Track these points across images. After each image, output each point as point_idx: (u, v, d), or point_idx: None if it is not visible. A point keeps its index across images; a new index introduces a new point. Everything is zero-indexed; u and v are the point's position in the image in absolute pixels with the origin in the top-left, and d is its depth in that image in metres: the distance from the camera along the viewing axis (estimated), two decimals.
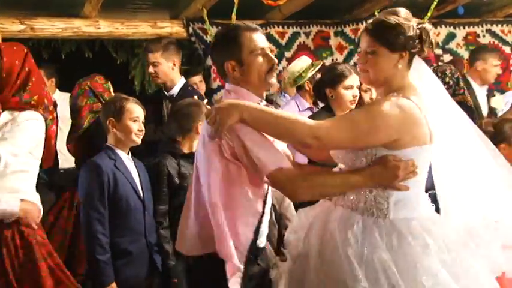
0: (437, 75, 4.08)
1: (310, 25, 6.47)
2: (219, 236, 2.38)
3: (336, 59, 6.39)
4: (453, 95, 3.76)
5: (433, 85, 2.61)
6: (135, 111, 3.38)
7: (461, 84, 3.90)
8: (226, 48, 2.54)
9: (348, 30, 6.55)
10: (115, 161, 3.28)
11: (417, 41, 2.42)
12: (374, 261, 2.27)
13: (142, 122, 3.42)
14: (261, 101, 2.55)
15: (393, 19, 2.43)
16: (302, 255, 2.54)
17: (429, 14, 5.90)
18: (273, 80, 2.58)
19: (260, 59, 2.52)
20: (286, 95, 5.68)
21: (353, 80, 3.79)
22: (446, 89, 3.94)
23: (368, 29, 2.50)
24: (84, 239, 3.22)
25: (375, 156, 2.36)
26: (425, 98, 2.45)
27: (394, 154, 2.33)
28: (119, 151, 3.35)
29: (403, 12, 2.49)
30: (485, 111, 5.19)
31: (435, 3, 5.77)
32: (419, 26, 2.46)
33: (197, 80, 5.81)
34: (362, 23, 6.53)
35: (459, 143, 2.56)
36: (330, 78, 3.87)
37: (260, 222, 2.50)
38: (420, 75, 2.55)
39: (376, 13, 6.28)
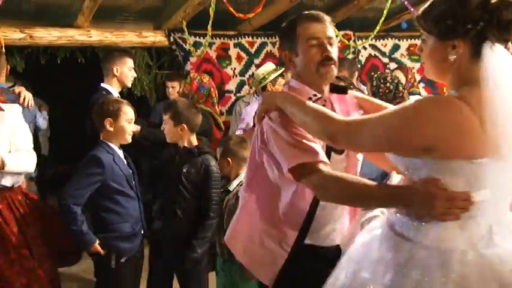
0: (379, 81, 4.11)
1: (276, 36, 6.37)
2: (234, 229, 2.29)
3: None
4: (394, 97, 3.77)
5: None
6: (130, 113, 3.26)
7: (400, 88, 3.93)
8: (285, 37, 2.19)
9: None
10: (113, 155, 3.16)
11: (482, 24, 1.65)
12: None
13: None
14: (314, 95, 2.12)
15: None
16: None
17: (378, 27, 5.90)
18: (327, 71, 2.09)
19: (313, 49, 2.09)
20: (258, 96, 5.66)
21: None
22: (387, 92, 3.82)
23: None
24: (63, 214, 3.06)
25: (410, 166, 1.75)
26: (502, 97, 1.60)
27: (435, 165, 1.67)
28: (113, 145, 3.22)
29: None
30: None
31: (383, 18, 5.78)
32: (489, 5, 1.64)
33: (175, 84, 5.62)
34: None
35: None
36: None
37: (308, 221, 2.10)
38: (500, 68, 1.65)
39: None
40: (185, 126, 3.30)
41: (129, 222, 3.16)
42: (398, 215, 1.80)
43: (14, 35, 5.31)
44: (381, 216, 2.02)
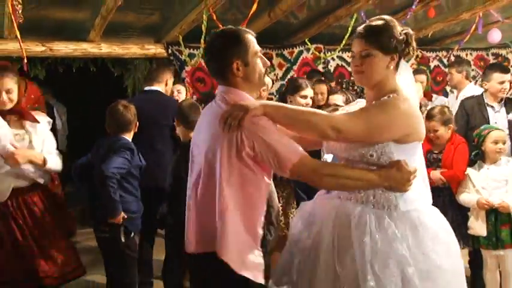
0: (348, 84, 4.28)
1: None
2: (225, 239, 1.86)
3: (277, 74, 6.45)
4: (357, 98, 3.93)
5: (413, 87, 2.14)
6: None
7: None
8: (233, 48, 1.99)
9: (286, 52, 6.61)
10: (135, 149, 3.25)
11: (404, 45, 2.02)
12: (389, 255, 1.86)
13: None
14: None
15: (384, 24, 2.01)
16: (311, 249, 2.02)
17: (344, 42, 5.99)
18: (266, 80, 2.13)
19: (260, 61, 2.05)
20: None
21: (308, 92, 3.76)
22: (354, 94, 4.00)
23: (361, 34, 2.02)
24: (105, 185, 3.04)
25: (384, 151, 1.93)
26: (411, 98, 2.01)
27: (401, 148, 1.94)
28: (129, 138, 3.31)
29: (389, 18, 2.05)
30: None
31: (348, 34, 5.84)
32: (404, 31, 2.02)
33: (179, 87, 5.62)
34: (296, 47, 6.62)
35: None
36: (292, 88, 3.82)
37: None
38: (406, 78, 2.10)
39: (306, 41, 6.46)
40: (178, 121, 3.31)
41: (136, 201, 3.27)
42: (381, 192, 1.98)
43: (36, 48, 5.39)
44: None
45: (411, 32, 2.06)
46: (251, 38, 2.05)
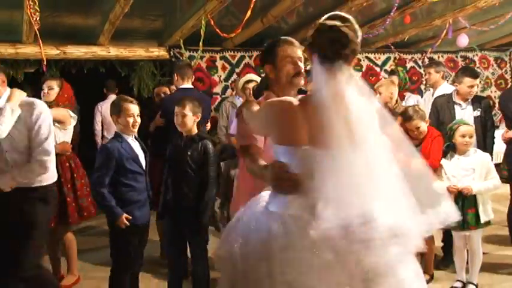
0: None
1: (252, 50, 6.50)
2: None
3: None
4: None
5: (344, 92, 1.64)
6: (131, 109, 3.09)
7: None
8: (266, 55, 2.31)
9: None
10: (121, 143, 3.06)
11: (311, 42, 1.75)
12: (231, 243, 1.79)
13: (138, 115, 3.13)
14: None
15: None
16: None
17: None
18: (299, 82, 2.25)
19: (289, 65, 2.23)
20: (239, 97, 5.05)
21: None
22: None
23: None
24: (93, 196, 3.10)
25: (274, 151, 1.79)
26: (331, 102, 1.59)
27: (278, 150, 1.74)
28: (125, 135, 3.10)
29: (334, 14, 1.75)
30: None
31: None
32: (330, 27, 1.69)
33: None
34: None
35: (364, 147, 1.60)
36: (265, 84, 3.93)
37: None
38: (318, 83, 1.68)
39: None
40: (199, 115, 3.33)
41: (137, 191, 3.11)
42: (269, 191, 1.84)
43: (51, 51, 5.45)
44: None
45: (335, 29, 1.66)
46: (283, 45, 2.26)
